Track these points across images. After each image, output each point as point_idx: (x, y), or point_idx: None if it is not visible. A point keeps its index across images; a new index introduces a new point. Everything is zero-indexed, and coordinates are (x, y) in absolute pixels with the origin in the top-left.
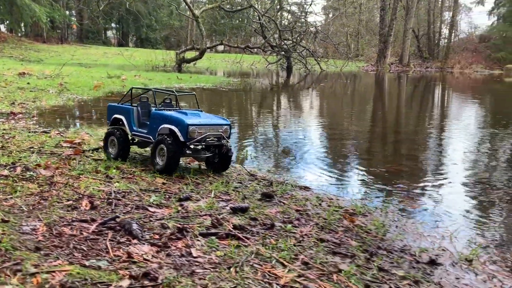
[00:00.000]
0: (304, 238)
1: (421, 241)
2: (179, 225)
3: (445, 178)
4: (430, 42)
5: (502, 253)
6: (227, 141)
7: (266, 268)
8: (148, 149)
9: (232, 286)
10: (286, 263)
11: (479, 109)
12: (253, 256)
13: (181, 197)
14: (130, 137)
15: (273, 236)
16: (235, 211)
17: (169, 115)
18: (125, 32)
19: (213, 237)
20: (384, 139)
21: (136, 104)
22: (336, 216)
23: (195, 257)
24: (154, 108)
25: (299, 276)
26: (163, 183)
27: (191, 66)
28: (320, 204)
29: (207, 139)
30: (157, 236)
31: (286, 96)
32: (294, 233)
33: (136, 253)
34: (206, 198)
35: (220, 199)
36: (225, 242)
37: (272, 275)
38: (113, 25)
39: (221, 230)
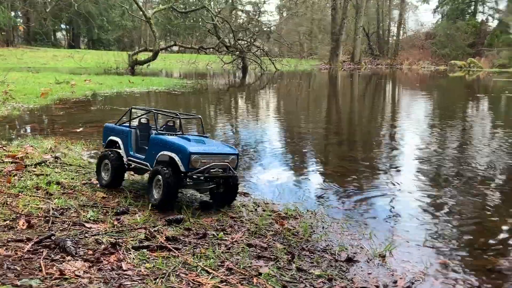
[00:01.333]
0: (233, 244)
1: (343, 240)
2: (112, 240)
3: (381, 179)
4: (380, 40)
5: (412, 249)
6: (234, 173)
7: (191, 276)
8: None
9: None
10: (210, 271)
11: (426, 104)
12: (180, 266)
13: (118, 211)
14: (125, 162)
15: (204, 245)
16: (170, 222)
17: (169, 140)
18: (75, 34)
19: (145, 250)
20: (331, 139)
21: (135, 126)
22: (268, 220)
23: (124, 270)
24: (155, 131)
25: (222, 281)
26: (103, 197)
27: (144, 67)
28: (256, 210)
29: (211, 170)
30: (90, 252)
31: (242, 97)
32: (225, 240)
33: (68, 270)
34: (143, 211)
35: (156, 212)
36: (156, 254)
37: (196, 283)
38: (62, 26)
39: (153, 243)
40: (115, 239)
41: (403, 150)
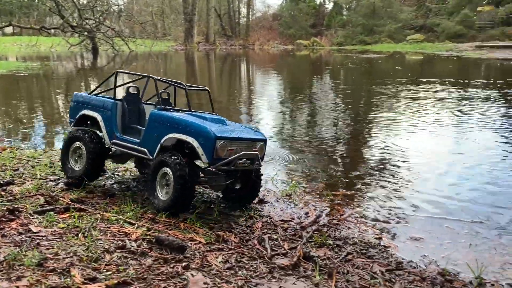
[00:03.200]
0: (146, 200)
1: None
2: (8, 208)
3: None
4: (232, 20)
5: (313, 186)
6: (260, 164)
7: (115, 228)
8: (131, 165)
9: (84, 249)
10: (134, 222)
11: (279, 81)
12: (99, 221)
13: (1, 182)
14: (107, 147)
15: (116, 203)
16: (69, 186)
17: (183, 119)
18: None
19: (51, 213)
20: None
21: (121, 98)
22: None
23: (35, 233)
24: (154, 106)
25: (149, 230)
26: None
27: None
28: None
29: (239, 162)
30: None
31: (94, 79)
32: (136, 198)
33: None
34: (32, 180)
35: (49, 180)
36: (66, 215)
37: (122, 234)
38: None
39: (58, 206)
40: (11, 206)
41: (262, 124)
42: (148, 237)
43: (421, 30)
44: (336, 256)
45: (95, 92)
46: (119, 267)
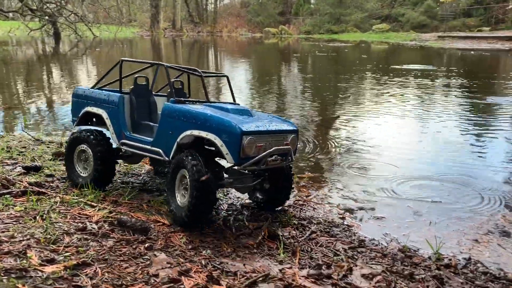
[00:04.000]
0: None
1: None
2: None
3: None
4: (199, 7)
5: None
6: (293, 160)
7: (75, 211)
8: (143, 165)
9: (42, 231)
10: (95, 205)
11: (247, 68)
12: (58, 204)
13: None
14: (116, 147)
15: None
16: (28, 170)
17: (201, 112)
18: None
19: (7, 196)
20: None
21: (128, 90)
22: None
23: None
24: (167, 98)
25: (111, 212)
26: None
27: None
28: None
29: (269, 159)
30: None
31: (57, 65)
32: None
33: None
34: None
35: (5, 164)
36: (23, 198)
37: (83, 216)
38: None
39: (15, 189)
40: None
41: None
42: (110, 219)
43: (386, 20)
44: (301, 235)
45: (100, 85)
46: (79, 248)
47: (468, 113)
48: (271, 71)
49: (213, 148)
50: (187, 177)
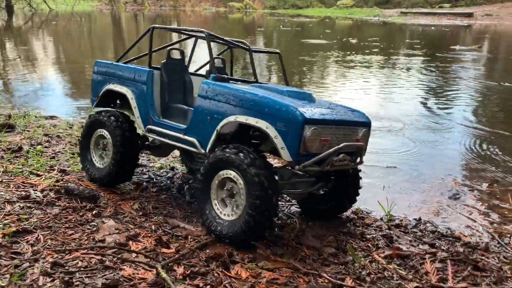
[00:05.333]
0: (58, 154)
1: None
2: None
3: None
4: None
5: None
6: (362, 161)
7: (19, 180)
8: (173, 157)
9: None
10: (41, 173)
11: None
12: (0, 174)
13: None
14: (141, 134)
15: (22, 156)
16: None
17: (252, 93)
18: None
19: None
20: None
21: (159, 66)
22: None
23: None
24: (207, 75)
25: (58, 181)
26: None
27: None
28: (71, 127)
29: (335, 160)
30: None
31: (12, 40)
32: (46, 152)
33: None
34: None
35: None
36: None
37: (28, 185)
38: None
39: None
40: None
41: None
42: (57, 187)
43: None
44: None
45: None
46: (21, 216)
47: (426, 83)
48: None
49: (258, 141)
50: (238, 181)
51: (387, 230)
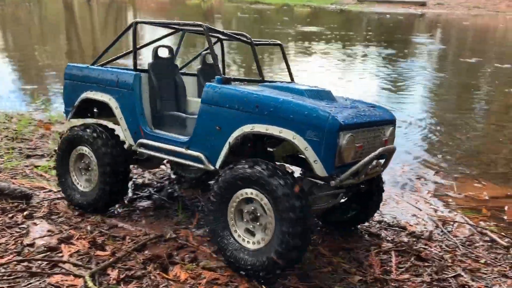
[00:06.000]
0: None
1: None
2: None
3: None
4: None
5: None
6: (387, 164)
7: None
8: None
9: None
10: None
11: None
12: None
13: None
14: (129, 148)
15: None
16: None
17: (270, 97)
18: None
19: None
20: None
21: (146, 68)
22: (30, 128)
23: None
24: (197, 78)
25: None
26: None
27: None
28: (10, 120)
29: (370, 167)
30: None
31: None
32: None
33: None
34: None
35: None
36: None
37: None
38: None
39: None
40: None
41: None
42: None
43: None
44: (202, 195)
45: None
46: None
47: (380, 72)
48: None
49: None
50: (262, 202)
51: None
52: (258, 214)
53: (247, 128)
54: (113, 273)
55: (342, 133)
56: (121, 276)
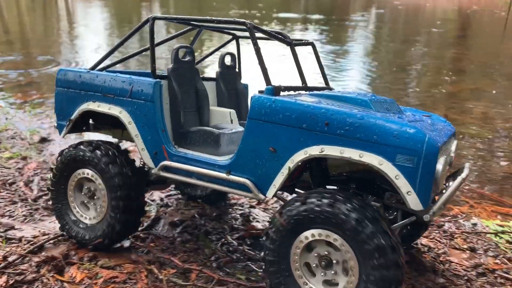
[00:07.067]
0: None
1: (32, 126)
2: None
3: None
4: None
5: None
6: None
7: None
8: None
9: None
10: None
11: (102, 12)
12: None
13: None
14: (152, 173)
15: None
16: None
17: (348, 113)
18: None
19: None
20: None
21: (166, 72)
22: None
23: None
24: (216, 83)
25: None
26: None
27: None
28: None
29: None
30: None
31: None
32: None
33: None
34: None
35: None
36: None
37: None
38: None
39: None
40: None
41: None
42: None
43: None
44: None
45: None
46: None
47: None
48: (131, 15)
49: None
50: (342, 248)
51: (248, 209)
52: (333, 260)
53: (313, 151)
54: (1, 280)
55: (441, 156)
56: (10, 282)
